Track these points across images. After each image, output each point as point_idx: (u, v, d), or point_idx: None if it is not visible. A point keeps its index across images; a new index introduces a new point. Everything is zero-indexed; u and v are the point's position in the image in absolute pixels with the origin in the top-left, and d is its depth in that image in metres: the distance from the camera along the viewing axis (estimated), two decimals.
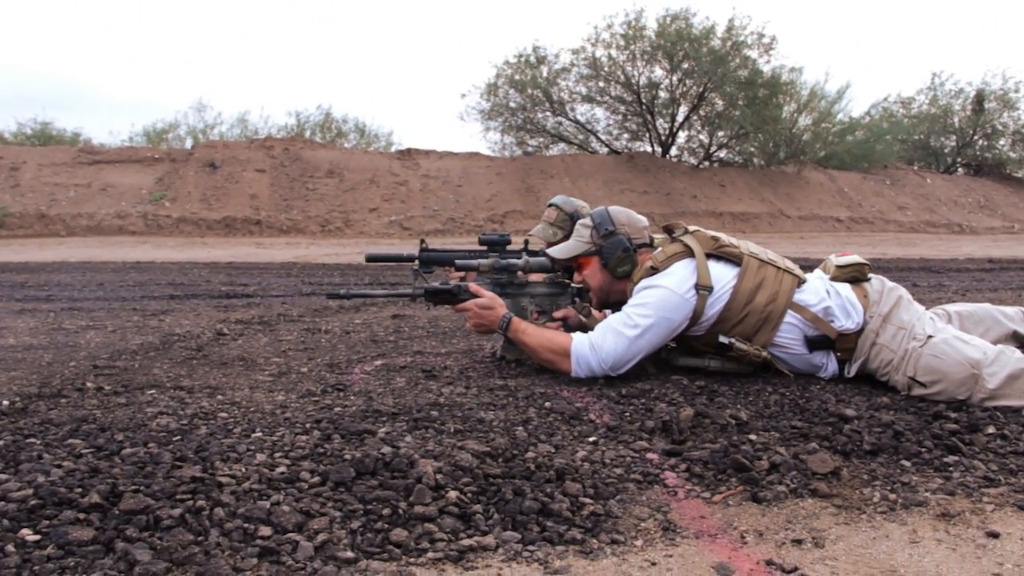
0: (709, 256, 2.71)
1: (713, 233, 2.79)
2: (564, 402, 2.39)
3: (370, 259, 3.49)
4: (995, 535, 1.60)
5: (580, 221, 2.90)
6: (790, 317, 2.69)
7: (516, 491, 1.71)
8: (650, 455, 1.97)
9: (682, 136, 30.45)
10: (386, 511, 1.60)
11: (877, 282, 2.80)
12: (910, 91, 39.54)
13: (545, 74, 28.92)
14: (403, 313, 4.20)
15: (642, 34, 27.54)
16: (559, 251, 2.89)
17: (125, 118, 62.38)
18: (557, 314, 2.97)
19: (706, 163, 30.09)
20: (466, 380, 2.67)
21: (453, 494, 1.67)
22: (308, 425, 2.11)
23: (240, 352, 3.02)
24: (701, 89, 27.99)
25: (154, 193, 22.61)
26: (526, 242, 3.31)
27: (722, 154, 30.33)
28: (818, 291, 2.75)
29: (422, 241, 3.51)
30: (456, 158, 26.56)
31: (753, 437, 2.09)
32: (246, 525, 1.51)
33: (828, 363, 2.75)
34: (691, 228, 2.81)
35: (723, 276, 2.69)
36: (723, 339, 2.68)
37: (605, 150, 30.26)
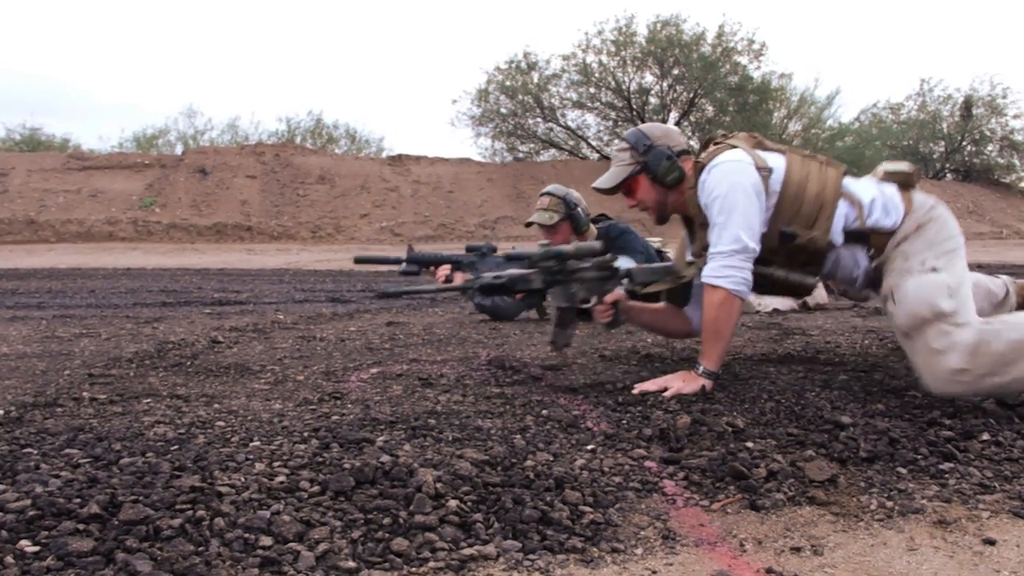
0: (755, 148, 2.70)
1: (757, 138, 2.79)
2: (561, 410, 2.40)
3: (358, 261, 3.59)
4: (992, 542, 1.61)
5: (615, 147, 2.88)
6: (841, 205, 2.67)
7: (516, 500, 1.71)
8: (648, 463, 1.98)
9: None
10: (386, 520, 1.60)
11: (924, 196, 2.76)
12: (899, 97, 39.83)
13: (536, 80, 29.00)
14: (398, 320, 4.20)
15: (632, 40, 27.67)
16: (605, 181, 2.85)
17: (115, 123, 62.31)
18: (608, 298, 2.95)
19: None
20: (463, 388, 2.67)
21: (453, 503, 1.67)
22: (306, 434, 2.11)
23: (235, 360, 3.02)
24: (691, 95, 28.09)
25: (144, 199, 22.59)
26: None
27: None
28: (866, 185, 2.74)
29: (410, 247, 3.66)
30: (447, 164, 26.60)
31: (750, 444, 2.10)
32: (247, 535, 1.51)
33: (861, 259, 2.73)
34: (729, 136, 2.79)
35: (774, 161, 2.68)
36: (785, 229, 2.66)
37: (595, 156, 30.31)
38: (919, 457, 2.05)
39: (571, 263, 2.88)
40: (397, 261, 3.98)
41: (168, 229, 20.90)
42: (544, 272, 2.85)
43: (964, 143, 32.04)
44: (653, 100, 28.24)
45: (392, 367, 2.95)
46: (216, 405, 2.41)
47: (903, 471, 1.98)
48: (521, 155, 30.05)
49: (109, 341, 3.42)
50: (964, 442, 2.17)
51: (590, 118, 29.41)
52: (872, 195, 2.70)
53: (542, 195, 4.54)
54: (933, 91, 32.62)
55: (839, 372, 2.91)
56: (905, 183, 2.76)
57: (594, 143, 30.07)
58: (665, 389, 2.60)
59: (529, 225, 4.47)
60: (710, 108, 27.45)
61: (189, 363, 2.96)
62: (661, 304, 2.95)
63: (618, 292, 2.93)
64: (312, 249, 19.56)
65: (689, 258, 2.89)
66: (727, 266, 2.60)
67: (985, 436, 2.21)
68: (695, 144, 2.95)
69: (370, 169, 25.65)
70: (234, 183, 23.60)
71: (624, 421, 2.31)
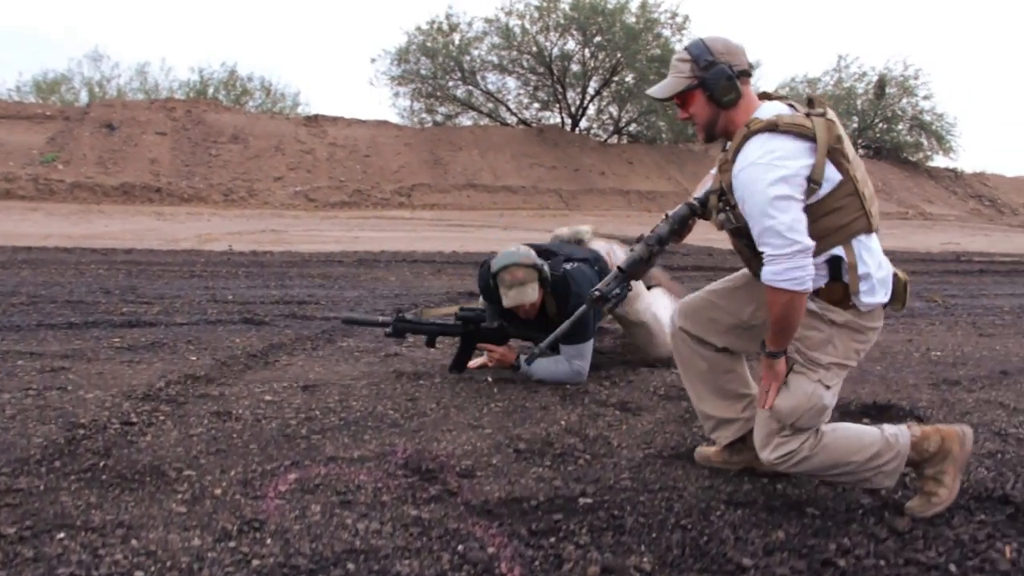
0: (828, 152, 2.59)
1: (840, 131, 2.65)
2: (476, 545, 2.47)
3: (346, 322, 4.59)
4: None
5: (676, 56, 2.82)
6: (837, 249, 2.66)
7: None
8: None
9: (592, 109, 30.63)
10: None
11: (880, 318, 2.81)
12: (817, 72, 40.70)
13: (457, 42, 28.68)
14: (314, 383, 4.19)
15: (556, 6, 27.57)
16: (660, 90, 2.82)
17: (7, 55, 59.05)
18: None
19: (615, 137, 30.38)
20: (380, 509, 2.70)
21: None
22: None
23: (150, 459, 2.97)
24: (613, 64, 28.18)
25: (46, 154, 21.66)
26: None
27: (632, 128, 30.68)
28: (878, 255, 2.74)
29: (397, 313, 4.24)
30: (364, 126, 26.16)
31: None
32: None
33: (820, 276, 2.70)
34: (829, 111, 2.69)
35: (829, 177, 2.61)
36: None
37: (514, 119, 30.25)
38: None
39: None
40: (384, 324, 4.29)
41: (72, 188, 20.12)
42: (649, 251, 3.05)
43: (876, 121, 33.06)
44: (574, 67, 28.28)
45: (310, 469, 2.96)
46: (133, 542, 2.39)
47: None
48: (440, 117, 29.82)
49: (14, 420, 3.32)
50: None
51: (511, 82, 29.36)
52: (874, 272, 2.69)
53: (511, 267, 4.00)
54: (849, 67, 33.53)
55: (744, 479, 3.05)
56: (898, 300, 2.78)
57: (513, 107, 30.04)
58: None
59: (511, 308, 4.07)
60: (631, 78, 27.64)
61: (102, 463, 2.92)
62: None
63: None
64: (224, 214, 19.13)
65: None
66: (788, 268, 2.55)
67: None
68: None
69: (285, 129, 25.06)
70: (143, 140, 22.80)
71: (537, 562, 2.39)
